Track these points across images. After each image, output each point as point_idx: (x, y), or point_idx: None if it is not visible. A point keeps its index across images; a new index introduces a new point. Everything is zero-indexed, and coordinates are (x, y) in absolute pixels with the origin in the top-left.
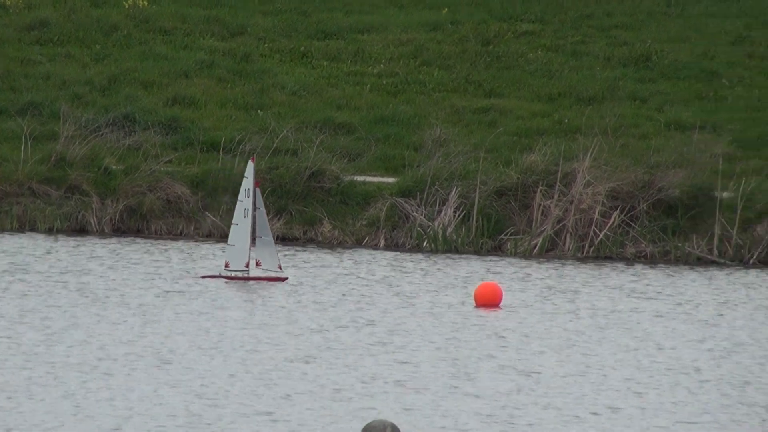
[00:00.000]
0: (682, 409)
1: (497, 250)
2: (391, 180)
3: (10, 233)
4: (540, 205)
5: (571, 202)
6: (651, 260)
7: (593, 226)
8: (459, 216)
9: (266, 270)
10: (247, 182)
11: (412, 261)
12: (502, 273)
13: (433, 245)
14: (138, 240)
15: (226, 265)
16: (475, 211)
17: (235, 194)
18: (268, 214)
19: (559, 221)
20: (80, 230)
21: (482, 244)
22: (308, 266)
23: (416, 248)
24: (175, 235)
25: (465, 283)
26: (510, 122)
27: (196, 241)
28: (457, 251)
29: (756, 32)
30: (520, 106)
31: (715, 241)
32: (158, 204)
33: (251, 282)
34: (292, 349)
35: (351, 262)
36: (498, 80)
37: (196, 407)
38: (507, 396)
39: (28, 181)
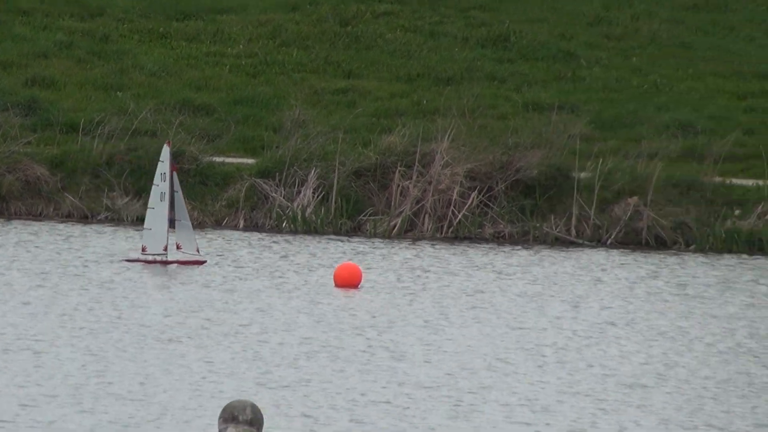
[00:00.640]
0: (547, 390)
1: (356, 231)
2: (250, 161)
3: None
4: (399, 185)
5: (430, 183)
6: (509, 240)
7: (452, 207)
8: (318, 197)
9: (185, 253)
10: (163, 166)
11: (274, 242)
12: (362, 253)
13: (292, 226)
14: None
15: (143, 249)
16: (334, 192)
17: (95, 175)
18: (126, 195)
19: (417, 202)
20: None
21: (341, 224)
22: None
23: (275, 229)
24: (35, 216)
25: (324, 263)
26: (369, 103)
27: (60, 222)
28: (316, 232)
29: (613, 13)
30: (378, 86)
31: (573, 221)
32: (17, 185)
33: (170, 265)
34: (161, 329)
35: (220, 241)
36: (357, 61)
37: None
38: (368, 376)
39: None
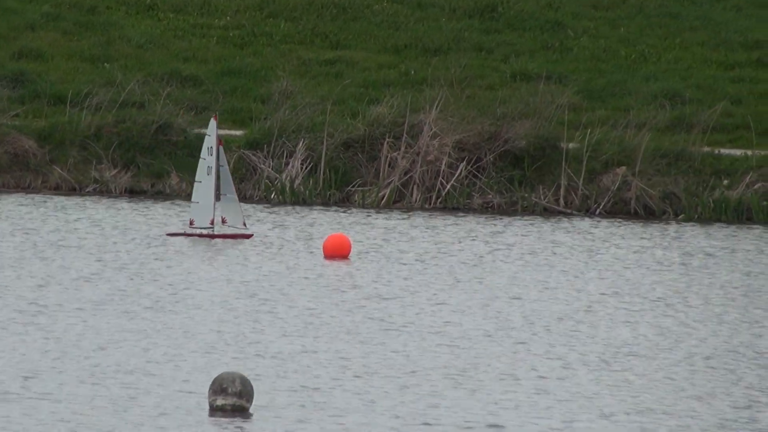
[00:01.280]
0: (549, 359)
1: (345, 202)
2: (238, 132)
3: None
4: (387, 156)
5: (418, 154)
6: (498, 211)
7: (440, 178)
8: (306, 168)
9: (231, 227)
10: (210, 140)
11: (261, 213)
12: (350, 224)
13: (280, 197)
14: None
15: (191, 223)
16: (322, 163)
17: (83, 147)
18: (115, 167)
19: (406, 173)
20: None
21: (330, 195)
22: (159, 219)
23: (264, 200)
24: (23, 189)
25: (314, 234)
26: (356, 74)
27: (44, 194)
28: (305, 203)
29: None
30: (366, 57)
31: (562, 191)
32: (5, 158)
33: (216, 239)
34: (153, 299)
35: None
36: (344, 32)
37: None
38: (361, 345)
39: None
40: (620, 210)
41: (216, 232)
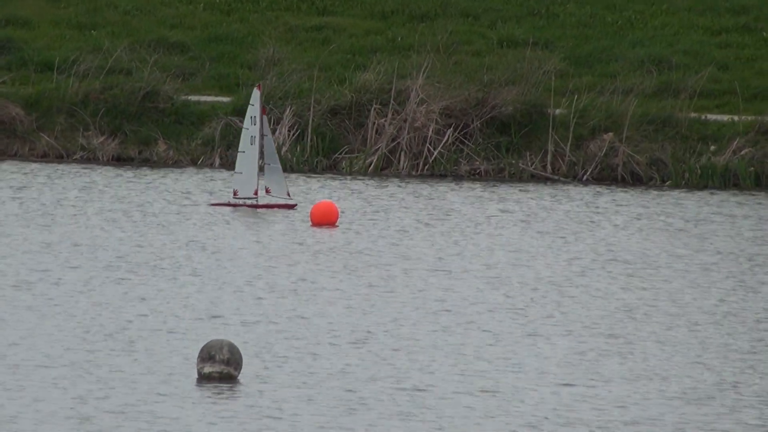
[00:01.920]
0: (553, 322)
1: (332, 169)
2: (225, 99)
3: None
4: (374, 123)
5: (405, 121)
6: (485, 177)
7: (427, 144)
8: (294, 135)
9: (275, 197)
10: (253, 109)
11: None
12: (338, 191)
13: None
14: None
15: (235, 194)
16: (309, 130)
17: (70, 114)
18: (102, 134)
19: (393, 140)
20: None
21: (317, 162)
22: (145, 185)
23: None
24: (10, 156)
25: (301, 201)
26: (343, 40)
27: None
28: (292, 170)
29: None
30: (353, 23)
31: (549, 157)
32: None
33: (259, 209)
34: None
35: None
36: None
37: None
38: (348, 314)
39: None
40: (607, 176)
41: (259, 203)
